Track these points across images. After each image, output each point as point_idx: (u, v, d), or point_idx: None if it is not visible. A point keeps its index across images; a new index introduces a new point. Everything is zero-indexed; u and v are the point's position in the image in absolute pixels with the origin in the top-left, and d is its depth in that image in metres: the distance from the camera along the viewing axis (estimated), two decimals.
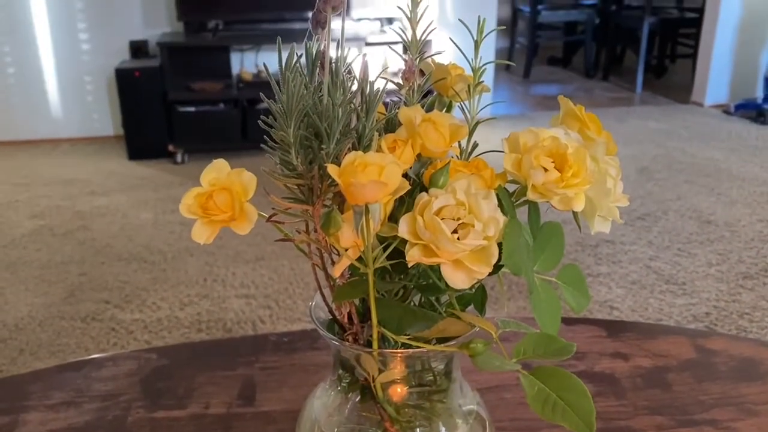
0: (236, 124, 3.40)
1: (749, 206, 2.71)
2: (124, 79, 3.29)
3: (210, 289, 2.13)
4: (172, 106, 3.35)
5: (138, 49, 3.52)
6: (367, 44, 3.39)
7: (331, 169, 0.36)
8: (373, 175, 0.35)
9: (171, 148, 3.37)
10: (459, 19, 0.47)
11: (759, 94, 4.09)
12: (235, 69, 3.61)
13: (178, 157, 3.37)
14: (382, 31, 3.63)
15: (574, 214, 0.44)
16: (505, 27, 0.58)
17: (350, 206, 0.39)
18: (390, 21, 3.65)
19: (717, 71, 4.19)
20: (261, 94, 0.40)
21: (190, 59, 3.45)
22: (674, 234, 2.47)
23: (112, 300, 2.06)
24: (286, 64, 0.38)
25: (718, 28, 4.09)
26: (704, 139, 3.62)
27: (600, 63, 5.30)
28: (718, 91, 4.23)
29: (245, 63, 3.65)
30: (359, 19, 3.57)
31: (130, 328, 1.91)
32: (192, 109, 3.37)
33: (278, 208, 0.41)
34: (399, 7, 0.45)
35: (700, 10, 4.53)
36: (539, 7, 4.97)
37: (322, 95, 0.40)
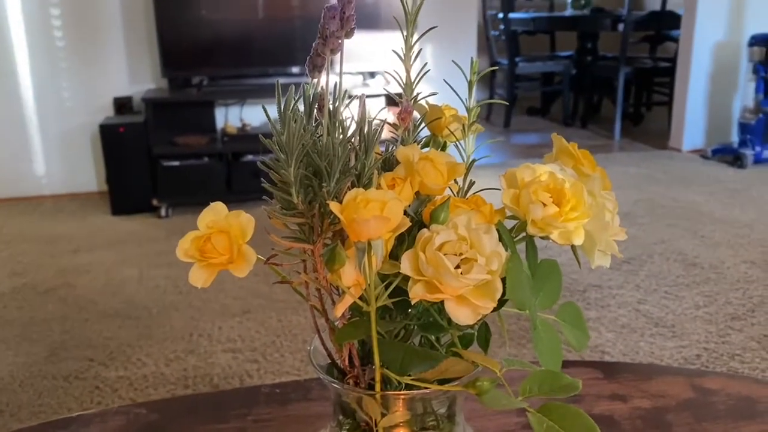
0: (221, 178, 3.41)
1: (732, 248, 2.74)
2: (108, 135, 3.30)
3: (196, 344, 2.09)
4: (156, 160, 3.36)
5: (122, 105, 3.54)
6: (350, 97, 3.44)
7: (333, 206, 0.36)
8: (375, 210, 0.35)
9: (155, 202, 3.36)
10: (452, 61, 0.48)
11: (734, 139, 4.18)
12: (220, 123, 3.64)
13: (163, 212, 3.35)
14: (365, 85, 3.69)
15: (573, 249, 0.45)
16: (497, 68, 0.59)
17: (351, 244, 0.39)
18: (372, 75, 3.72)
19: (692, 117, 4.29)
20: (260, 135, 0.40)
21: (175, 114, 3.48)
22: (661, 277, 2.49)
23: (96, 357, 2.02)
24: (285, 104, 0.39)
25: (691, 76, 4.21)
26: (684, 184, 3.68)
27: (578, 112, 5.41)
28: (694, 137, 4.33)
29: (230, 117, 3.68)
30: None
31: (115, 386, 1.86)
32: (176, 163, 3.38)
33: (279, 248, 0.41)
34: (393, 51, 0.46)
35: (673, 60, 4.67)
36: (516, 59, 5.10)
37: (320, 135, 0.40)
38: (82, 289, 2.52)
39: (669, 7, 5.16)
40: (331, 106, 0.41)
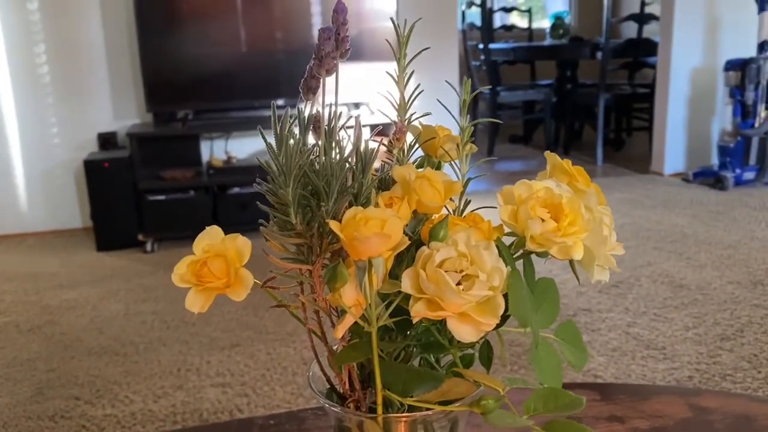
0: (207, 211, 3.39)
1: (718, 269, 2.76)
2: (93, 170, 3.28)
3: (184, 379, 2.05)
4: (142, 195, 3.34)
5: (106, 140, 3.53)
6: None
7: (334, 224, 0.36)
8: (375, 228, 0.35)
9: (141, 237, 3.34)
10: (446, 81, 0.48)
11: (714, 162, 4.24)
12: (205, 156, 3.63)
13: (148, 247, 3.32)
14: (351, 115, 3.71)
15: (572, 264, 0.45)
16: (482, 89, 0.60)
17: (351, 263, 0.38)
18: (357, 105, 3.74)
19: (672, 142, 4.35)
20: (257, 158, 0.40)
21: (160, 148, 3.47)
22: (649, 299, 2.49)
23: (82, 396, 1.98)
24: (281, 126, 0.39)
25: (669, 102, 4.28)
26: (667, 207, 3.71)
27: (560, 139, 5.47)
28: (675, 161, 4.39)
29: (215, 150, 3.68)
30: (328, 104, 3.66)
31: (102, 424, 1.82)
32: (162, 197, 3.36)
33: (277, 270, 0.40)
34: (387, 73, 0.47)
35: (651, 85, 4.76)
36: (498, 88, 5.16)
37: (317, 156, 0.40)
38: (68, 326, 2.48)
39: (645, 34, 5.27)
40: (326, 128, 0.41)
